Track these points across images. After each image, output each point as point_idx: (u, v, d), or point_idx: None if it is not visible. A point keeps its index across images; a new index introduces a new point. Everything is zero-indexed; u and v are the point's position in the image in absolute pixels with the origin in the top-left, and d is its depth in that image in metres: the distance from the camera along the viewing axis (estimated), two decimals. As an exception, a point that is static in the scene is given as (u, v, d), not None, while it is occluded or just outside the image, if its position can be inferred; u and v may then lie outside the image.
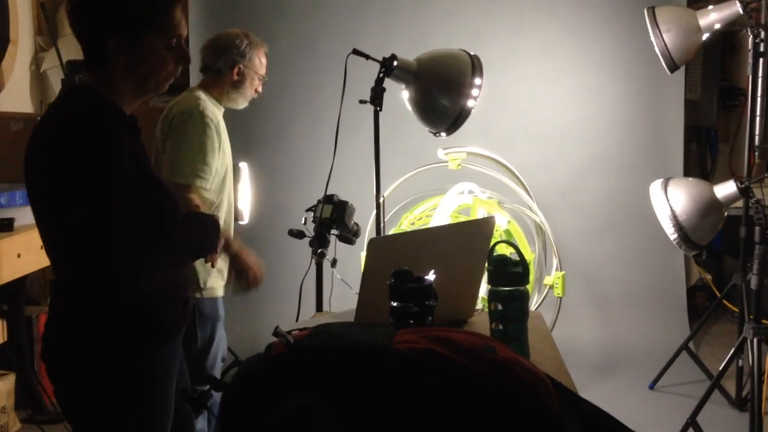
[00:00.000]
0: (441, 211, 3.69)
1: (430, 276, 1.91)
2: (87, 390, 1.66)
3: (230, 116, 2.92)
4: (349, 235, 3.03)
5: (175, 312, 1.78)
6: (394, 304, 1.49)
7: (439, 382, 1.13)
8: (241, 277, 2.49)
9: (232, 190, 2.95)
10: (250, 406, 1.12)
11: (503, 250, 1.99)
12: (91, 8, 1.63)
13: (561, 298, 3.87)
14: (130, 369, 1.66)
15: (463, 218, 3.78)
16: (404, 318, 1.46)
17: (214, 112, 2.76)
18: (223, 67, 2.82)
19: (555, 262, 3.90)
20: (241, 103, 2.93)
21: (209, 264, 1.95)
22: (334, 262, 2.95)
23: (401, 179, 4.02)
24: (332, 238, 2.98)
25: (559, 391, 1.30)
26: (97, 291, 1.60)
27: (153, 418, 1.73)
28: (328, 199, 2.95)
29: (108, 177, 1.54)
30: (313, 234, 2.90)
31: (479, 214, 3.73)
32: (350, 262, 3.84)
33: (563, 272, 3.83)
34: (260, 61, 2.89)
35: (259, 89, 2.93)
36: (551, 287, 3.85)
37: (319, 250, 2.88)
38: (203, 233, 1.80)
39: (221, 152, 2.75)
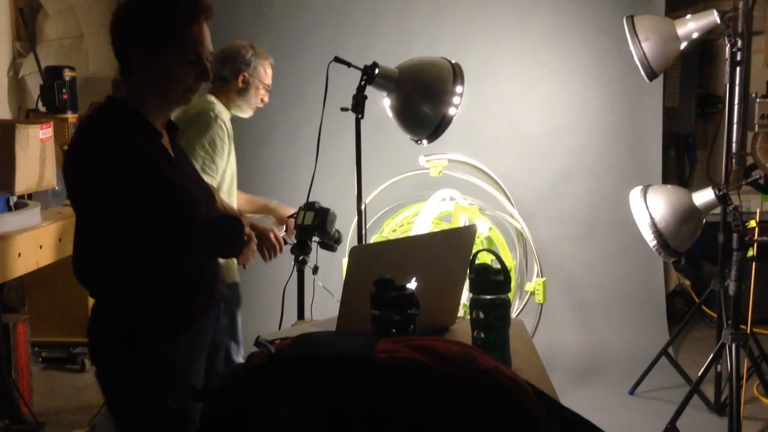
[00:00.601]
0: (422, 218, 3.70)
1: (412, 284, 1.92)
2: (105, 374, 1.84)
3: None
4: (331, 242, 3.03)
5: (193, 305, 1.86)
6: (376, 312, 1.49)
7: (421, 391, 1.13)
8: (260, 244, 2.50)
9: (234, 195, 3.05)
10: (231, 417, 1.12)
11: (485, 258, 2.00)
12: (117, 24, 1.77)
13: (542, 304, 3.89)
14: (138, 358, 1.77)
15: (444, 225, 3.79)
16: (386, 327, 1.46)
17: (226, 117, 2.90)
18: (228, 75, 2.96)
19: (536, 268, 3.92)
20: (246, 111, 3.06)
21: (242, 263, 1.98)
22: (315, 269, 2.95)
23: (382, 186, 4.02)
24: (314, 245, 2.98)
25: (540, 399, 1.31)
26: (103, 284, 1.73)
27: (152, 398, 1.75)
28: (309, 206, 2.95)
29: (102, 178, 1.66)
30: (295, 241, 2.90)
31: (460, 221, 3.74)
32: (332, 269, 3.84)
33: (544, 278, 3.85)
34: (265, 71, 3.01)
35: (265, 99, 3.06)
36: (532, 293, 3.87)
37: (301, 257, 2.89)
38: (221, 233, 1.82)
39: (229, 156, 2.89)
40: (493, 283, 1.69)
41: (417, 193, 4.08)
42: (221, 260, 2.70)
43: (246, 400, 1.12)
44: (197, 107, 2.85)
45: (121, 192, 1.67)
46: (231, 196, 2.94)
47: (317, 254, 3.00)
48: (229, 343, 2.84)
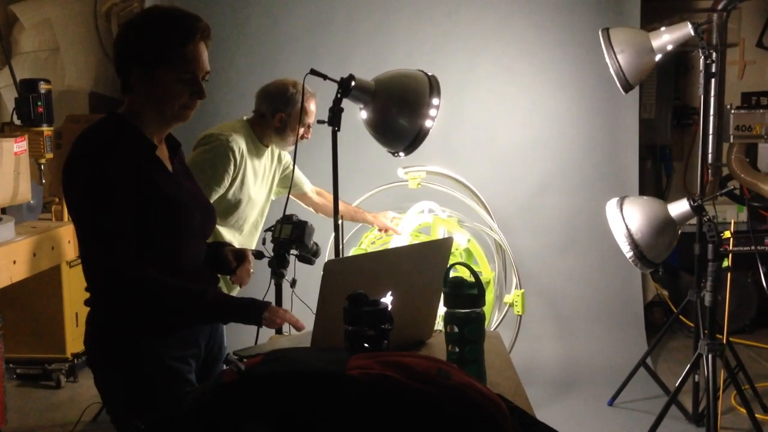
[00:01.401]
0: (401, 230, 3.69)
1: (388, 298, 1.91)
2: (102, 379, 1.88)
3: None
4: (309, 255, 3.02)
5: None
6: (349, 328, 1.48)
7: (393, 409, 1.12)
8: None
9: (248, 223, 3.05)
10: (199, 437, 1.10)
11: (461, 271, 1.99)
12: (118, 43, 1.85)
13: (521, 316, 3.89)
14: (130, 360, 1.82)
15: (424, 237, 3.79)
16: (359, 342, 1.45)
17: (241, 144, 2.88)
18: (266, 113, 2.97)
19: (514, 280, 3.92)
20: (284, 147, 3.10)
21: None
22: (293, 283, 2.93)
23: (360, 199, 4.02)
24: (292, 259, 2.97)
25: (514, 414, 1.30)
26: (119, 288, 1.80)
27: (151, 405, 1.80)
28: (287, 219, 2.94)
29: (96, 188, 1.73)
30: (272, 254, 2.89)
31: (439, 233, 3.74)
32: (311, 282, 3.81)
33: (522, 290, 3.85)
34: (306, 110, 2.98)
35: (307, 136, 3.04)
36: (511, 305, 3.87)
37: (279, 270, 2.87)
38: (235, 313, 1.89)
39: (239, 183, 2.89)
40: (467, 296, 1.68)
41: (396, 205, 4.07)
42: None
43: (215, 419, 1.10)
44: (215, 130, 2.89)
45: (116, 200, 1.73)
46: (228, 220, 2.95)
47: (295, 267, 2.98)
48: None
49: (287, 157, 3.22)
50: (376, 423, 1.12)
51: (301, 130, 2.98)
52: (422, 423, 1.13)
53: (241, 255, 2.08)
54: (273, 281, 2.89)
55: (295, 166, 3.26)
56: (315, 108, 3.02)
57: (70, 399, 4.04)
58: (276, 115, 2.95)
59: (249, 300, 1.91)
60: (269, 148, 3.08)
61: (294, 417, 1.10)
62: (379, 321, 1.47)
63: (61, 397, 4.09)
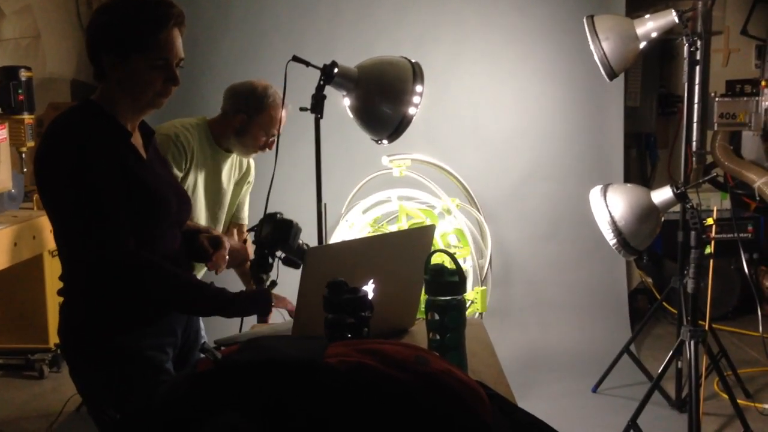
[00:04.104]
0: (352, 225, 3.64)
1: (370, 285, 1.90)
2: (79, 371, 1.87)
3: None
4: (294, 258, 2.75)
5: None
6: (329, 316, 1.47)
7: (370, 397, 1.11)
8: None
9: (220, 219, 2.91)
10: (173, 427, 1.09)
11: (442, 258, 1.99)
12: (90, 28, 1.82)
13: (482, 313, 3.86)
14: (107, 351, 1.81)
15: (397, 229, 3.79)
16: (339, 330, 1.44)
17: (190, 140, 2.69)
18: (229, 112, 2.78)
19: (478, 275, 3.89)
20: (241, 153, 2.85)
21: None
22: (272, 285, 2.64)
23: (351, 194, 4.02)
24: (277, 262, 2.75)
25: (493, 401, 1.29)
26: (69, 278, 1.86)
27: (129, 396, 1.78)
28: (269, 217, 2.73)
29: (78, 177, 1.70)
30: (253, 257, 2.65)
31: (404, 221, 3.74)
32: (295, 273, 3.79)
33: (484, 288, 3.84)
34: (273, 119, 2.77)
35: (270, 147, 2.82)
36: (472, 302, 3.81)
37: (259, 276, 2.60)
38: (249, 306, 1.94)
39: (189, 180, 2.70)
40: (448, 284, 1.67)
41: (382, 192, 4.06)
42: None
43: (189, 409, 1.09)
44: (167, 129, 2.69)
45: (105, 190, 1.72)
46: (215, 221, 2.85)
47: (278, 269, 2.74)
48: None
49: (252, 176, 3.01)
50: (354, 410, 1.11)
51: (263, 139, 2.79)
52: (400, 410, 1.12)
53: (217, 241, 2.07)
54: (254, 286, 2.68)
55: (244, 201, 3.03)
56: (284, 119, 2.80)
57: (53, 389, 4.01)
58: (237, 115, 2.76)
59: (253, 293, 1.95)
60: (235, 158, 2.89)
61: (270, 406, 1.09)
62: (359, 309, 1.46)
63: (44, 387, 4.06)
